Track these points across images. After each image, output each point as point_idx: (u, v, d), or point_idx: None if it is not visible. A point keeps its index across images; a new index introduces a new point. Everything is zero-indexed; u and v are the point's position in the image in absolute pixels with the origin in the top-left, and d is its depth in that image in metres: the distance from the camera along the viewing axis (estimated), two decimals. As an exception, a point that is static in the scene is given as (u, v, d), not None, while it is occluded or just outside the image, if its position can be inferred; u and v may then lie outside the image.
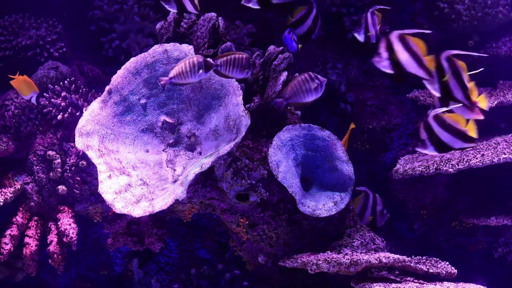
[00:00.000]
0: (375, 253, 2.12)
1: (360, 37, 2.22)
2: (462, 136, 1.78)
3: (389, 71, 1.73)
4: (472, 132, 1.79)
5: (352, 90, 2.90)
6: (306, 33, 2.33)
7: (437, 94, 1.76)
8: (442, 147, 1.80)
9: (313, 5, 2.31)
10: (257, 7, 2.09)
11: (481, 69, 1.91)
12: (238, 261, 2.56)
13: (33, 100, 2.28)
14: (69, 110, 2.49)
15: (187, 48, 2.30)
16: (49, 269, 2.69)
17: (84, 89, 2.56)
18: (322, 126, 2.31)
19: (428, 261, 2.17)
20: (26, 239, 2.43)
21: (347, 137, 2.47)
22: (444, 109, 1.80)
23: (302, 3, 2.37)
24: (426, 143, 1.80)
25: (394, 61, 1.71)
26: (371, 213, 2.48)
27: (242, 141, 2.24)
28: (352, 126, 2.51)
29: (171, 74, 1.94)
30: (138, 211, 2.07)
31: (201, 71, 1.95)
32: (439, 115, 1.79)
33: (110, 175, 2.17)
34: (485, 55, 2.06)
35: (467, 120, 1.80)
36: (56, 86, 2.53)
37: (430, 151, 1.81)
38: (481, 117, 1.82)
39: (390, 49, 1.70)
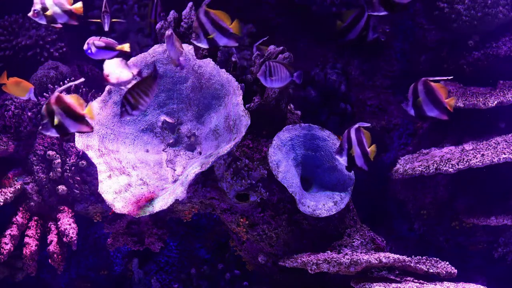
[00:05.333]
0: (375, 253, 2.12)
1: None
2: (228, 33, 1.97)
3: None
4: (236, 29, 1.96)
5: (352, 90, 2.90)
6: (358, 37, 2.29)
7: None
8: (212, 42, 1.97)
9: (364, 7, 2.26)
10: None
11: (451, 77, 2.12)
12: (238, 261, 2.56)
13: (32, 97, 2.26)
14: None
15: (187, 47, 2.30)
16: (49, 269, 2.69)
17: (84, 89, 2.56)
18: (322, 126, 2.31)
19: (428, 261, 2.17)
20: (26, 239, 2.43)
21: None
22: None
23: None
24: (200, 36, 1.95)
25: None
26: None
27: (242, 141, 2.24)
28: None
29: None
30: (138, 211, 2.07)
31: None
32: (207, 10, 1.94)
33: (110, 175, 2.17)
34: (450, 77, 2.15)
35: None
36: (56, 86, 2.53)
37: (203, 45, 1.97)
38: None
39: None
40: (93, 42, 2.13)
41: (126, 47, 2.16)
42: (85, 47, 2.16)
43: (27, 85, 2.24)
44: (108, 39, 2.17)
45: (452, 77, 2.14)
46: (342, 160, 2.09)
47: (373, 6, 2.02)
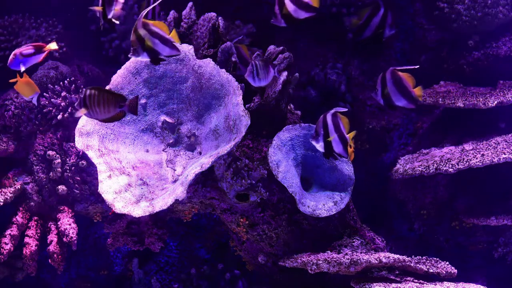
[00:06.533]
0: (375, 253, 2.12)
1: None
2: (170, 43, 1.95)
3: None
4: (176, 38, 1.95)
5: (352, 90, 2.90)
6: (374, 34, 2.29)
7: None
8: (153, 54, 1.94)
9: (379, 4, 2.25)
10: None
11: (417, 66, 2.13)
12: (238, 261, 2.56)
13: (34, 101, 2.28)
14: (69, 110, 2.49)
15: (187, 48, 2.30)
16: (49, 269, 2.69)
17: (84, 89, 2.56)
18: (322, 126, 2.31)
19: (428, 261, 2.17)
20: (26, 239, 2.43)
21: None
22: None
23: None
24: (138, 50, 1.93)
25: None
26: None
27: (242, 141, 2.24)
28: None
29: None
30: (138, 211, 2.07)
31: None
32: (145, 22, 1.92)
33: (110, 175, 2.17)
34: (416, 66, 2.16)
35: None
36: (56, 86, 2.53)
37: (143, 57, 1.94)
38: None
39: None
40: (21, 52, 2.13)
41: (53, 45, 2.16)
42: (10, 61, 2.14)
43: (35, 88, 2.27)
44: (34, 43, 2.18)
45: (418, 66, 2.14)
46: (319, 146, 2.05)
47: (276, 18, 2.07)
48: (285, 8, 2.05)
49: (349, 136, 2.04)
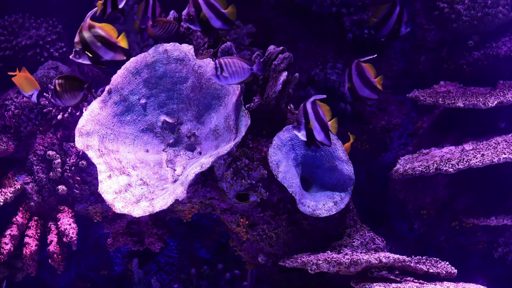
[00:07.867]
0: (375, 253, 2.12)
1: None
2: (115, 47, 2.00)
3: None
4: (123, 43, 2.01)
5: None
6: (391, 32, 2.30)
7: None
8: (95, 57, 2.00)
9: (396, 2, 2.26)
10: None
11: (375, 55, 2.16)
12: (238, 261, 2.56)
13: (34, 98, 2.27)
14: (69, 110, 2.49)
15: (187, 47, 2.30)
16: (49, 269, 2.69)
17: (84, 89, 2.56)
18: (322, 126, 2.31)
19: (428, 261, 2.17)
20: (26, 239, 2.43)
21: (348, 146, 2.47)
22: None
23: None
24: (79, 52, 1.98)
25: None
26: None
27: (242, 141, 2.24)
28: (352, 138, 2.50)
29: None
30: (138, 211, 2.07)
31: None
32: (91, 24, 1.96)
33: (110, 175, 2.17)
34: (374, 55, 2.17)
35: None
36: (56, 86, 2.53)
37: (84, 61, 2.01)
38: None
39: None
40: None
41: None
42: None
43: (35, 85, 2.26)
44: None
45: (376, 55, 2.16)
46: (301, 135, 2.05)
47: (193, 22, 2.09)
48: (203, 14, 2.08)
49: (331, 123, 2.04)
